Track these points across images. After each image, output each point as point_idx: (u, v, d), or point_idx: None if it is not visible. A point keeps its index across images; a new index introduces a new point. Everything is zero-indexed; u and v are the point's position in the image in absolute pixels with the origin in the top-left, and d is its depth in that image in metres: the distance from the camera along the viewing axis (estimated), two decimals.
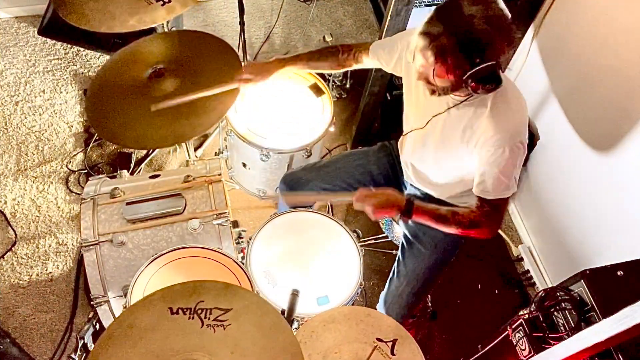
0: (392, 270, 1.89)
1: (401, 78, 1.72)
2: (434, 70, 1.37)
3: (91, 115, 1.87)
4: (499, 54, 1.33)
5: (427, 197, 1.83)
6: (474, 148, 1.51)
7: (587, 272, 1.34)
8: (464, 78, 1.34)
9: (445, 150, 1.61)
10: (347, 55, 1.83)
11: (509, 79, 1.53)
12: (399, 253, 1.88)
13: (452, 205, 1.78)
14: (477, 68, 1.31)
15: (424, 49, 1.35)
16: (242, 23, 2.58)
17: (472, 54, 1.30)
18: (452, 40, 1.29)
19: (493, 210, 1.53)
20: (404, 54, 1.64)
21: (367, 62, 1.82)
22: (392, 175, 1.91)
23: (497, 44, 1.31)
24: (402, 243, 1.88)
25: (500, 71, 1.36)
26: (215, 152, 2.45)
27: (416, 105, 1.68)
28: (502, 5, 1.34)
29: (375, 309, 1.93)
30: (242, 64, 1.91)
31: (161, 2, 1.85)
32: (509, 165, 1.47)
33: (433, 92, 1.46)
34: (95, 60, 2.98)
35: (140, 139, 1.78)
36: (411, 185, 1.87)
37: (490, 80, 1.34)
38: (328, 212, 2.42)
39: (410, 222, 1.80)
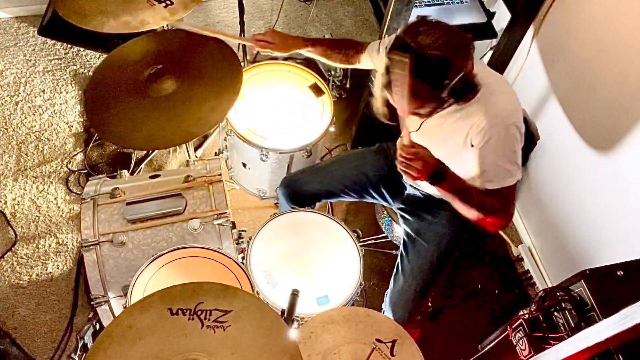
0: (395, 268, 1.88)
1: None
2: (412, 107, 1.42)
3: (91, 116, 1.86)
4: (462, 67, 1.36)
5: (428, 198, 1.83)
6: (470, 146, 1.51)
7: (587, 272, 1.35)
8: (441, 98, 1.39)
9: (443, 151, 1.60)
10: (354, 52, 1.85)
11: (491, 71, 1.55)
12: (401, 250, 1.88)
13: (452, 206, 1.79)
14: (449, 87, 1.35)
15: (396, 97, 1.38)
16: (242, 23, 2.59)
17: (439, 81, 1.34)
18: (418, 80, 1.32)
19: (501, 200, 1.51)
20: None
21: (364, 62, 1.83)
22: (390, 176, 1.91)
23: (456, 63, 1.34)
24: (404, 240, 1.87)
25: (473, 77, 1.39)
26: (215, 152, 2.44)
27: None
28: (449, 23, 1.38)
29: (376, 309, 1.93)
30: (243, 64, 1.92)
31: (163, 4, 1.85)
32: (505, 150, 1.46)
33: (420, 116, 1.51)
34: (95, 60, 2.98)
35: (146, 140, 1.77)
36: (411, 185, 1.87)
37: (467, 90, 1.39)
38: (328, 212, 2.42)
39: (436, 190, 1.66)
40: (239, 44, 2.67)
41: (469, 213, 1.49)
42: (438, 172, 1.42)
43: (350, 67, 1.92)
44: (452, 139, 1.55)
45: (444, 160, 1.61)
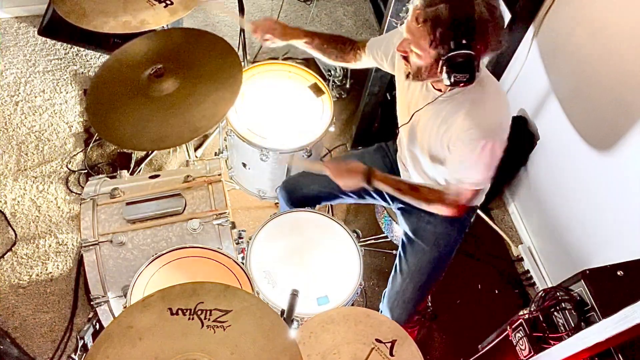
0: (393, 269, 1.88)
1: None
2: (415, 39, 1.35)
3: (92, 117, 1.84)
4: (483, 48, 1.33)
5: None
6: (447, 144, 1.51)
7: (587, 272, 1.34)
8: (442, 58, 1.32)
9: (427, 146, 1.62)
10: (350, 48, 1.84)
11: (492, 78, 1.53)
12: (399, 251, 1.88)
13: None
14: (459, 52, 1.29)
15: (420, 9, 1.31)
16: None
17: (461, 35, 1.28)
18: (450, 14, 1.27)
19: (455, 195, 1.55)
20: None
21: (364, 60, 1.82)
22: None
23: (487, 36, 1.31)
24: (403, 240, 1.88)
25: (477, 68, 1.35)
26: (215, 152, 2.45)
27: (403, 101, 1.69)
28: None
29: (376, 309, 1.93)
30: (243, 64, 1.91)
31: (164, 4, 1.85)
32: (480, 160, 1.47)
33: (407, 75, 1.46)
34: (95, 60, 2.98)
35: (154, 140, 1.74)
36: None
37: (463, 70, 1.32)
38: (328, 212, 2.42)
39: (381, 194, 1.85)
40: (239, 43, 2.67)
41: (410, 201, 1.64)
42: (368, 176, 1.61)
43: (345, 64, 1.91)
44: (432, 134, 1.56)
45: (426, 154, 1.64)
